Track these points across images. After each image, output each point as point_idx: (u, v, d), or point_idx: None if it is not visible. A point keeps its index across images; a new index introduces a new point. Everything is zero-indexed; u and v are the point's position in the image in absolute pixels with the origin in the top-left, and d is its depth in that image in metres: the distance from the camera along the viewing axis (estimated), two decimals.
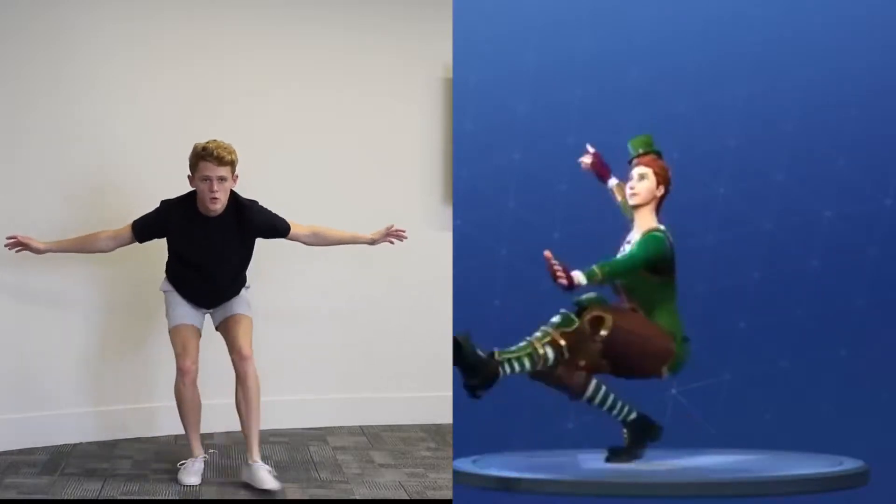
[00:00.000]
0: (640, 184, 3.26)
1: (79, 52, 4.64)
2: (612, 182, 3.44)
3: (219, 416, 4.40)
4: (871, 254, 3.62)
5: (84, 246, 4.11)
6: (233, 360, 4.05)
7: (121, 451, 4.51)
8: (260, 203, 4.14)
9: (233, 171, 4.00)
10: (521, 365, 3.10)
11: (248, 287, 4.22)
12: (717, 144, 3.73)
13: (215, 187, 3.91)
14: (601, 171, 3.46)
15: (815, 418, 3.55)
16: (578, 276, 3.06)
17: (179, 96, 4.84)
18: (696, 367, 3.26)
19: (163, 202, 4.06)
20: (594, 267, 3.08)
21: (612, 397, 3.23)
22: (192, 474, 4.04)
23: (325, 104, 5.14)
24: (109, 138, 4.70)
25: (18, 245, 4.05)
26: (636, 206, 3.26)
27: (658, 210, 3.27)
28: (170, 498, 3.86)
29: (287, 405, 4.91)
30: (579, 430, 3.62)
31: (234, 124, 4.94)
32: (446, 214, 4.66)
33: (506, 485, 3.07)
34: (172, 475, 4.10)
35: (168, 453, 4.43)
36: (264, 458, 4.39)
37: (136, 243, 4.08)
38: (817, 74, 3.77)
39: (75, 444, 4.55)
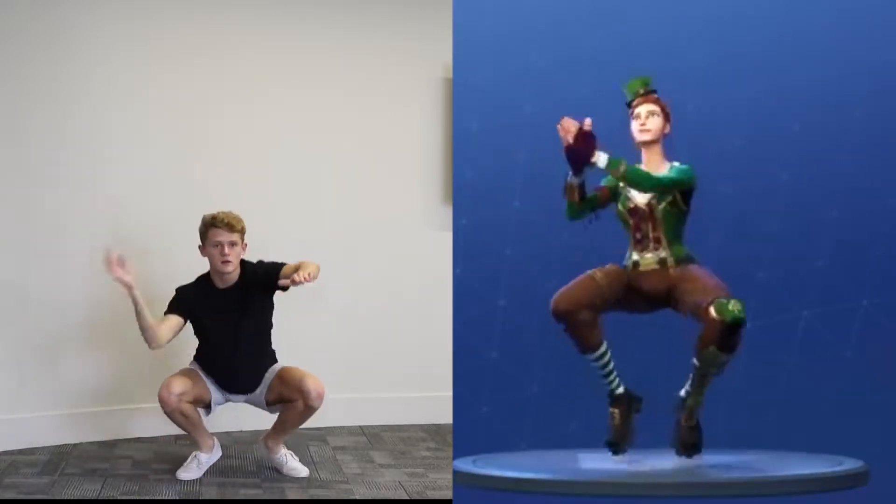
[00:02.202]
0: (651, 120, 3.24)
1: (79, 52, 4.64)
2: (602, 159, 3.17)
3: (219, 416, 4.40)
4: (876, 254, 3.62)
5: (147, 328, 4.00)
6: (304, 398, 4.08)
7: (121, 451, 4.51)
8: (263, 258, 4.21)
9: (242, 239, 4.10)
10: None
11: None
12: (722, 144, 3.73)
13: (226, 251, 4.04)
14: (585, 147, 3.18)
15: (818, 419, 3.55)
16: (601, 156, 3.07)
17: (179, 96, 4.84)
18: None
19: (177, 288, 4.15)
20: (622, 160, 3.09)
21: (612, 365, 3.24)
22: (190, 470, 4.11)
23: (325, 104, 5.14)
24: (109, 138, 4.70)
25: (120, 267, 3.95)
26: (647, 143, 3.24)
27: (665, 152, 3.25)
28: (170, 498, 3.87)
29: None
30: (581, 430, 3.62)
31: (234, 124, 4.95)
32: (446, 214, 4.66)
33: (506, 485, 3.07)
34: (172, 475, 4.11)
35: (168, 453, 4.44)
36: (265, 458, 4.40)
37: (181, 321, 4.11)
38: (823, 74, 3.77)
39: (75, 444, 4.55)
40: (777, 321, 3.15)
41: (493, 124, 3.97)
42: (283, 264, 4.12)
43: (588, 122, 3.13)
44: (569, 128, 3.11)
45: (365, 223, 5.24)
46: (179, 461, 4.27)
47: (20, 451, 4.40)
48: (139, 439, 4.67)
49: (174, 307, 4.10)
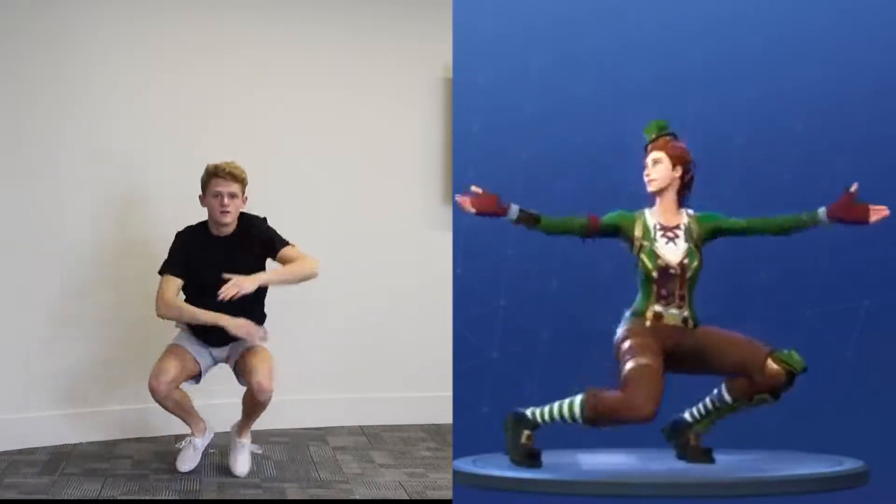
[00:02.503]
0: (655, 168, 3.23)
1: (79, 52, 4.63)
2: (512, 213, 3.21)
3: (219, 416, 4.40)
4: (877, 254, 3.62)
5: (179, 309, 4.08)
6: (251, 388, 4.07)
7: (121, 451, 4.51)
8: (268, 222, 4.20)
9: (243, 191, 4.09)
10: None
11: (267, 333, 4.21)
12: (724, 144, 3.72)
13: (226, 201, 4.03)
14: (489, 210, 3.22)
15: (818, 419, 3.54)
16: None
17: (179, 96, 4.83)
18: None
19: (177, 233, 4.15)
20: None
21: None
22: (186, 459, 4.14)
23: (325, 104, 5.14)
24: (109, 138, 4.69)
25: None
26: (656, 192, 3.23)
27: (682, 196, 3.24)
28: (170, 498, 3.86)
29: (287, 405, 4.90)
30: (582, 430, 3.62)
31: (234, 124, 4.95)
32: (446, 214, 4.66)
33: (506, 485, 3.07)
34: (172, 475, 4.11)
35: (168, 453, 4.43)
36: (264, 458, 4.40)
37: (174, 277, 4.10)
38: (824, 74, 3.77)
39: (75, 444, 4.55)
40: (778, 321, 3.15)
41: (493, 124, 3.96)
42: (285, 243, 4.11)
43: (474, 188, 3.17)
44: (464, 203, 3.16)
45: (365, 223, 5.24)
46: (176, 458, 4.27)
47: (20, 451, 4.40)
48: (139, 439, 4.67)
49: (174, 263, 4.07)
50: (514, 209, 3.16)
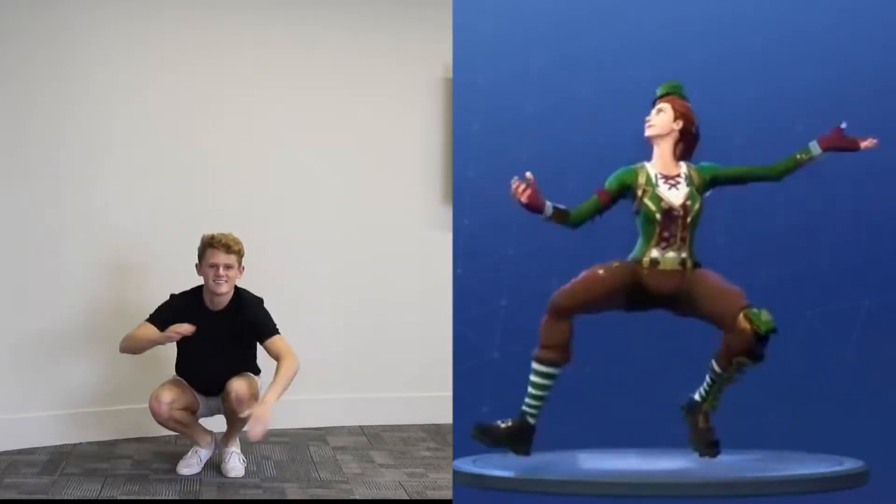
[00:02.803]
0: (657, 116, 3.28)
1: (79, 52, 4.64)
2: (548, 210, 3.21)
3: (219, 416, 4.40)
4: (878, 254, 3.62)
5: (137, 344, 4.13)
6: (230, 402, 4.09)
7: (121, 451, 4.51)
8: (264, 304, 4.20)
9: (239, 262, 4.11)
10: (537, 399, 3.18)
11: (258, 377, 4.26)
12: (724, 144, 3.72)
13: (221, 272, 4.05)
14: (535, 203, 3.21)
15: (819, 419, 3.54)
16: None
17: (179, 96, 4.84)
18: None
19: (171, 295, 4.17)
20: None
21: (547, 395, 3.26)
22: (188, 465, 4.15)
23: (325, 104, 5.14)
24: (108, 138, 4.70)
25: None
26: (653, 137, 3.27)
27: (680, 150, 3.27)
28: (170, 498, 3.86)
29: (287, 405, 4.88)
30: (582, 430, 3.62)
31: (234, 124, 4.95)
32: (446, 214, 4.66)
33: (506, 485, 3.07)
34: (172, 475, 4.11)
35: (168, 453, 4.44)
36: (264, 458, 4.41)
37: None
38: (825, 74, 3.77)
39: (75, 444, 4.55)
40: (779, 320, 3.15)
41: (494, 124, 3.96)
42: (274, 331, 4.11)
43: (529, 175, 3.15)
44: (517, 191, 3.13)
45: (365, 223, 5.24)
46: (179, 461, 4.27)
47: (20, 451, 4.40)
48: (139, 439, 4.67)
49: (157, 317, 4.10)
50: (549, 206, 3.18)
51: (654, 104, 3.33)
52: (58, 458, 4.34)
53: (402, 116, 5.27)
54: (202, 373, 4.17)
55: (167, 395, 4.07)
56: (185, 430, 4.21)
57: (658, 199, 3.21)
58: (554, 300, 3.15)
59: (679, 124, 3.28)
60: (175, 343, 4.14)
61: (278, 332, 4.14)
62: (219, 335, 4.10)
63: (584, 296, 3.15)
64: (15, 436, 4.45)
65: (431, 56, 5.15)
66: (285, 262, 4.91)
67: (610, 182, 3.25)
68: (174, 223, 4.72)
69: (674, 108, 3.28)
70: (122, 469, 4.21)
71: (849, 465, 3.12)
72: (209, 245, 4.09)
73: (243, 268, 4.15)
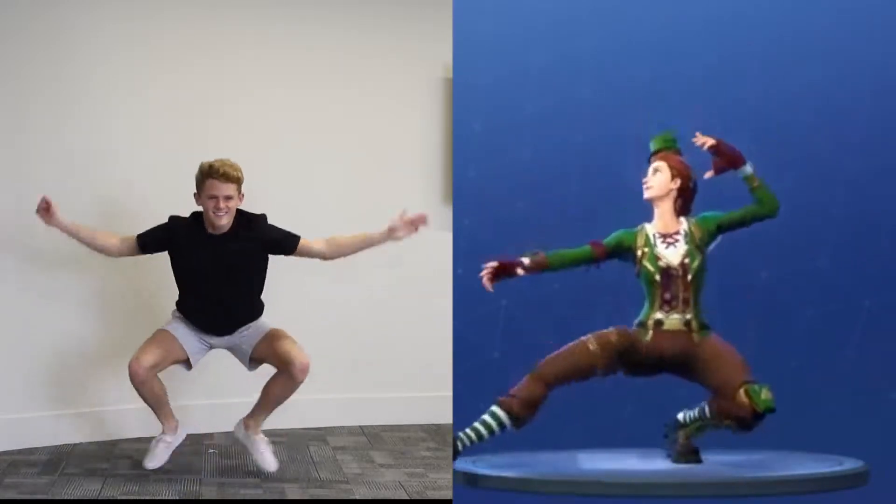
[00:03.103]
0: (654, 177, 3.29)
1: (79, 52, 4.63)
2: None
3: (218, 416, 4.40)
4: (879, 254, 3.62)
5: (94, 240, 4.08)
6: (288, 370, 4.05)
7: (121, 451, 4.51)
8: (268, 218, 4.16)
9: (239, 189, 4.03)
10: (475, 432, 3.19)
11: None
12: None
13: (221, 204, 3.96)
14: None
15: (820, 419, 3.54)
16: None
17: (179, 96, 4.84)
18: None
19: (171, 217, 4.10)
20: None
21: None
22: (156, 456, 4.09)
23: (325, 104, 5.14)
24: (109, 138, 4.70)
25: (45, 206, 3.97)
26: (652, 199, 3.27)
27: (680, 207, 3.27)
28: (170, 498, 3.86)
29: (287, 405, 4.87)
30: (584, 430, 3.62)
31: (233, 124, 4.95)
32: (446, 214, 4.66)
33: (506, 485, 3.07)
34: (172, 475, 4.11)
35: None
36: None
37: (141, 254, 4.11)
38: (826, 74, 3.77)
39: (75, 444, 4.55)
40: (779, 321, 3.15)
41: (495, 124, 3.96)
42: (297, 237, 4.11)
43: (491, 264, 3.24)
44: (485, 282, 3.22)
45: (364, 223, 5.21)
46: (179, 461, 4.27)
47: (20, 451, 4.40)
48: (139, 439, 4.66)
49: (147, 235, 4.05)
50: (525, 260, 3.21)
51: (648, 161, 3.32)
52: (58, 458, 4.34)
53: (402, 116, 5.27)
54: (209, 306, 4.05)
55: (148, 358, 3.93)
56: (155, 405, 4.08)
57: (656, 259, 3.22)
58: (538, 366, 3.15)
59: (677, 183, 3.28)
60: (177, 272, 4.07)
61: (298, 235, 4.11)
62: (226, 259, 4.01)
63: (568, 370, 3.15)
64: (15, 436, 4.45)
65: (431, 56, 5.15)
66: (285, 261, 4.90)
67: (609, 239, 3.27)
68: None
69: (670, 167, 3.28)
70: (122, 469, 4.21)
71: (849, 465, 3.12)
72: (208, 175, 3.96)
73: (243, 195, 4.05)
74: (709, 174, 3.26)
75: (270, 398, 4.14)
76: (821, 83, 3.77)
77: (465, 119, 4.01)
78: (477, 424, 3.17)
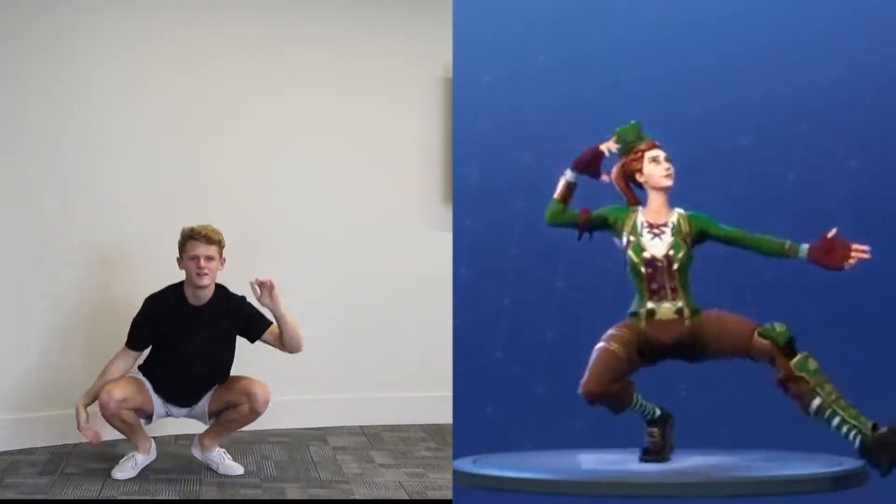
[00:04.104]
0: (670, 165, 3.24)
1: (79, 52, 4.63)
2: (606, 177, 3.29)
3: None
4: (882, 255, 3.61)
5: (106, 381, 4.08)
6: (251, 403, 4.09)
7: (121, 451, 4.50)
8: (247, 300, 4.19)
9: (220, 253, 4.08)
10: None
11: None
12: (729, 144, 3.72)
13: (202, 264, 4.01)
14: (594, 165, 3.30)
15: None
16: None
17: (179, 97, 4.84)
18: (706, 366, 3.26)
19: (147, 299, 4.13)
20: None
21: (646, 403, 3.24)
22: (123, 470, 4.09)
23: (325, 104, 5.14)
24: (108, 138, 4.70)
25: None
26: (666, 189, 3.24)
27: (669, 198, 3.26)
28: (170, 498, 3.86)
29: (287, 405, 4.90)
30: (586, 430, 3.62)
31: (234, 124, 4.95)
32: (446, 214, 4.67)
33: (506, 485, 3.07)
34: (172, 475, 4.11)
35: (168, 453, 4.44)
36: (264, 458, 4.41)
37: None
38: (829, 74, 3.77)
39: (75, 444, 4.55)
40: (784, 321, 3.14)
41: (496, 124, 3.96)
42: (270, 322, 4.13)
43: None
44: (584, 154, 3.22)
45: (364, 223, 5.24)
46: (180, 461, 4.28)
47: (20, 451, 4.40)
48: None
49: (136, 338, 4.10)
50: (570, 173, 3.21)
51: (635, 149, 3.27)
52: (58, 458, 4.34)
53: (402, 116, 5.27)
54: (181, 374, 4.11)
55: (119, 393, 3.99)
56: (128, 432, 4.13)
57: (640, 250, 3.20)
58: (585, 391, 3.09)
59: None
60: (156, 341, 4.11)
61: (271, 322, 4.14)
62: (204, 331, 4.07)
63: (609, 375, 3.10)
64: (15, 436, 4.45)
65: (431, 56, 5.15)
66: (285, 261, 4.91)
67: (598, 210, 3.25)
68: (175, 223, 4.70)
69: (665, 156, 3.26)
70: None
71: (849, 465, 3.11)
72: (189, 237, 4.04)
73: (224, 259, 4.10)
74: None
75: (229, 424, 4.20)
76: (825, 82, 3.77)
77: (466, 119, 4.01)
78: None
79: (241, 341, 4.21)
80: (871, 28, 3.79)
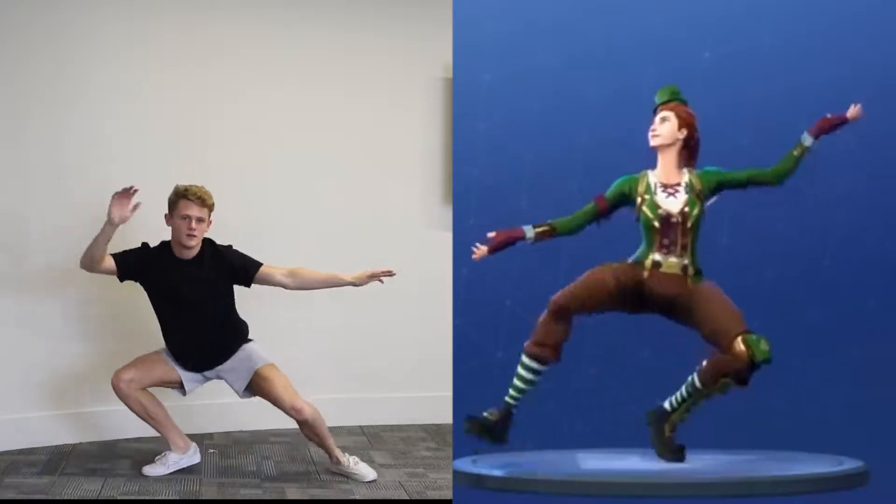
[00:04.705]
0: (662, 125, 3.30)
1: (79, 52, 4.63)
2: (529, 232, 3.31)
3: (218, 416, 4.40)
4: (883, 254, 3.62)
5: (100, 248, 4.06)
6: (290, 415, 4.12)
7: (121, 451, 4.51)
8: (234, 247, 4.22)
9: (209, 215, 4.11)
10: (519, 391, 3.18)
11: (252, 340, 4.25)
12: (730, 144, 3.72)
13: (193, 225, 4.04)
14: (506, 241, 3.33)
15: (823, 419, 3.54)
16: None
17: (179, 96, 4.84)
18: None
19: (143, 243, 4.17)
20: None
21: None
22: (153, 469, 4.11)
23: (325, 104, 5.14)
24: (109, 138, 4.70)
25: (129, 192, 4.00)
26: (659, 147, 3.28)
27: (684, 158, 3.29)
28: (170, 498, 3.87)
29: None
30: (587, 431, 3.62)
31: (234, 124, 4.95)
32: (446, 214, 4.66)
33: (506, 485, 3.07)
34: (172, 475, 4.11)
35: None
36: (264, 458, 4.41)
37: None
38: (830, 74, 3.76)
39: (75, 444, 4.55)
40: (784, 320, 3.15)
41: (496, 123, 3.96)
42: (260, 264, 4.13)
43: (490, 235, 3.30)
44: (480, 253, 3.30)
45: (364, 223, 5.24)
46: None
47: (20, 451, 4.40)
48: (139, 439, 4.67)
49: (123, 256, 4.09)
50: (528, 229, 3.24)
51: (655, 111, 3.34)
52: (58, 458, 4.34)
53: (402, 116, 5.27)
54: (190, 337, 4.12)
55: (126, 373, 4.04)
56: (152, 422, 4.15)
57: (655, 207, 3.24)
58: (554, 299, 3.17)
59: (684, 133, 3.30)
60: (154, 303, 4.14)
61: (261, 263, 4.15)
62: (192, 281, 4.08)
63: (584, 297, 3.16)
64: (15, 436, 4.45)
65: (431, 56, 5.15)
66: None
67: (610, 190, 3.29)
68: None
69: (678, 116, 3.30)
70: (122, 469, 4.21)
71: (849, 465, 3.12)
72: (183, 196, 4.06)
73: (211, 221, 4.13)
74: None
75: (317, 437, 4.21)
76: (827, 82, 3.77)
77: (467, 119, 4.00)
78: (515, 381, 3.19)
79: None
80: (871, 28, 3.79)
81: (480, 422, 3.24)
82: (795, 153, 3.26)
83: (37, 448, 4.46)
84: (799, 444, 3.41)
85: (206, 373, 4.21)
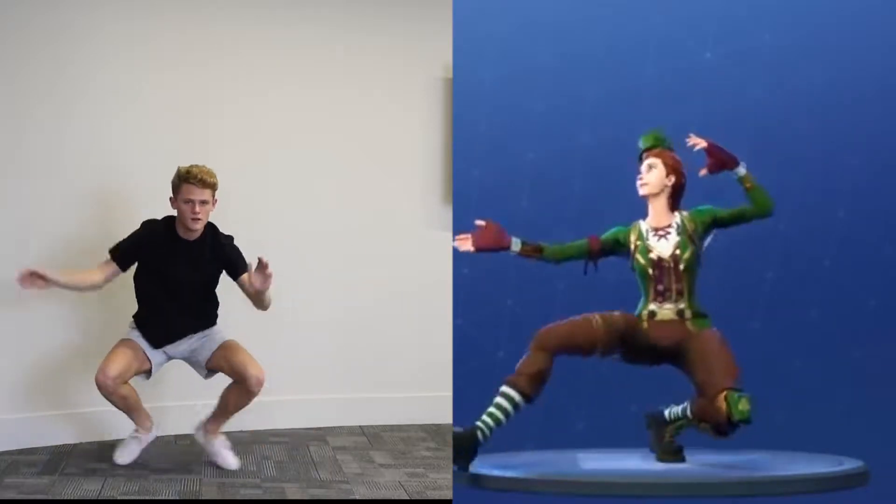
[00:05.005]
0: (649, 174, 3.30)
1: (79, 52, 4.63)
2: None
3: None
4: (884, 254, 3.62)
5: (78, 284, 4.14)
6: (247, 382, 4.11)
7: None
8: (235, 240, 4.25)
9: (213, 195, 4.11)
10: (492, 417, 3.10)
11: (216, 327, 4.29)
12: (731, 143, 3.72)
13: (197, 209, 4.04)
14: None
15: (824, 419, 3.55)
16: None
17: (179, 96, 4.84)
18: None
19: (144, 222, 4.17)
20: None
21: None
22: (127, 452, 4.18)
23: (325, 104, 5.14)
24: (109, 138, 4.70)
25: (30, 275, 4.00)
26: (648, 196, 3.29)
27: (674, 202, 3.29)
28: (170, 498, 3.87)
29: (287, 405, 4.91)
30: (588, 431, 3.62)
31: (233, 124, 4.95)
32: (446, 214, 4.67)
33: (506, 485, 3.06)
34: (172, 475, 4.11)
35: (168, 453, 4.44)
36: (264, 458, 4.41)
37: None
38: (831, 74, 3.77)
39: (75, 444, 4.55)
40: (784, 321, 3.15)
41: (496, 123, 3.96)
42: (248, 267, 4.12)
43: (479, 223, 3.25)
44: (463, 243, 3.25)
45: (364, 223, 5.24)
46: (179, 461, 4.27)
47: (20, 451, 4.40)
48: None
49: (124, 251, 4.11)
50: (517, 241, 3.23)
51: (640, 158, 3.34)
52: (58, 458, 4.34)
53: (402, 116, 5.27)
54: (169, 311, 4.14)
55: (114, 369, 4.03)
56: (128, 410, 4.18)
57: (647, 252, 3.24)
58: (538, 337, 3.12)
59: (671, 179, 3.29)
60: (142, 276, 4.15)
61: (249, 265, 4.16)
62: (189, 262, 4.10)
63: (566, 338, 3.11)
64: (15, 436, 4.45)
65: (431, 56, 5.15)
66: (285, 261, 4.89)
67: (606, 234, 3.30)
68: None
69: (665, 164, 3.29)
70: (121, 469, 4.21)
71: (849, 465, 3.12)
72: (185, 180, 4.05)
73: (216, 201, 4.13)
74: (703, 172, 3.28)
75: (228, 407, 4.22)
76: (827, 83, 3.78)
77: (467, 119, 4.01)
78: (492, 409, 3.12)
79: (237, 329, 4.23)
80: (871, 28, 3.79)
81: (455, 435, 3.18)
82: (749, 185, 3.23)
83: (37, 448, 4.46)
84: (799, 444, 3.40)
85: (170, 350, 4.21)
